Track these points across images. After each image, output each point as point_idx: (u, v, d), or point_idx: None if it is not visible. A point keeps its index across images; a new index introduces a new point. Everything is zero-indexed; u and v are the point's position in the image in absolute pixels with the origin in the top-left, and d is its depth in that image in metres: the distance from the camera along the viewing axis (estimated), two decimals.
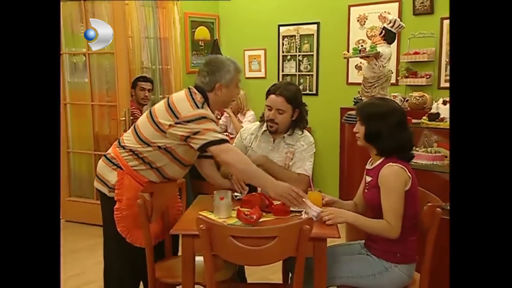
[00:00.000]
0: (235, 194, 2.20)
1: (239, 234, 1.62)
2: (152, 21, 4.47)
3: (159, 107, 2.12)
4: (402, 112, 1.94)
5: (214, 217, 1.92)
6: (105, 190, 2.14)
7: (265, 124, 2.42)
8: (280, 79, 4.93)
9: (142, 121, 2.16)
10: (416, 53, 3.88)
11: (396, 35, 3.14)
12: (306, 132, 2.44)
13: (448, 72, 3.78)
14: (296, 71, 4.84)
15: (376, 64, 2.99)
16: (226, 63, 2.17)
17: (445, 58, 3.81)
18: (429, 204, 1.85)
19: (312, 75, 4.74)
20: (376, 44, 3.02)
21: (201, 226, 1.60)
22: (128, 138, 2.16)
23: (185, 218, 2.00)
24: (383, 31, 3.07)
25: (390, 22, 3.08)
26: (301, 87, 4.81)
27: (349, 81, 4.48)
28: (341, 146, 4.24)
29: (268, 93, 2.37)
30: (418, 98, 3.62)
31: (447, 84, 3.44)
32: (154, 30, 4.50)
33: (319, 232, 1.74)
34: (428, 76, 3.83)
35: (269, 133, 2.41)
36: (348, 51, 4.09)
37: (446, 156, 2.55)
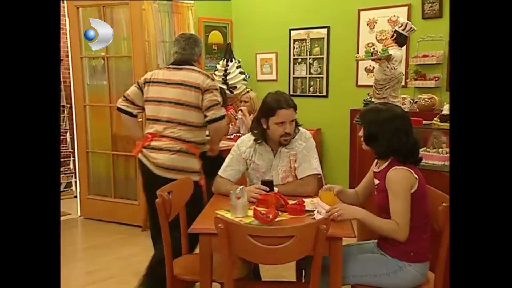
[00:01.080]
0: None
1: (257, 233, 1.63)
2: (168, 26, 4.61)
3: (182, 94, 2.53)
4: (404, 118, 1.92)
5: (231, 216, 1.94)
6: (196, 177, 2.55)
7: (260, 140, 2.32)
8: (291, 82, 5.01)
9: (183, 113, 2.54)
10: (425, 56, 3.92)
11: (407, 38, 3.16)
12: (300, 128, 2.36)
13: None
14: (306, 74, 4.91)
15: (387, 67, 2.98)
16: (200, 38, 2.70)
17: None
18: (444, 204, 1.82)
19: (322, 77, 4.81)
20: (388, 47, 3.03)
21: (220, 225, 1.62)
22: (184, 133, 2.54)
23: (203, 216, 2.00)
24: (395, 34, 3.09)
25: (401, 25, 3.09)
26: (311, 89, 4.90)
27: (359, 83, 4.53)
28: (351, 147, 4.27)
29: (276, 109, 2.21)
30: (426, 100, 3.65)
31: None
32: (170, 34, 4.62)
33: (335, 231, 1.73)
34: (436, 79, 3.87)
35: (265, 143, 2.33)
36: (358, 54, 4.14)
37: None
